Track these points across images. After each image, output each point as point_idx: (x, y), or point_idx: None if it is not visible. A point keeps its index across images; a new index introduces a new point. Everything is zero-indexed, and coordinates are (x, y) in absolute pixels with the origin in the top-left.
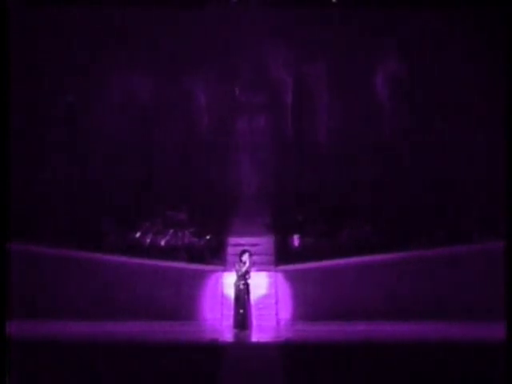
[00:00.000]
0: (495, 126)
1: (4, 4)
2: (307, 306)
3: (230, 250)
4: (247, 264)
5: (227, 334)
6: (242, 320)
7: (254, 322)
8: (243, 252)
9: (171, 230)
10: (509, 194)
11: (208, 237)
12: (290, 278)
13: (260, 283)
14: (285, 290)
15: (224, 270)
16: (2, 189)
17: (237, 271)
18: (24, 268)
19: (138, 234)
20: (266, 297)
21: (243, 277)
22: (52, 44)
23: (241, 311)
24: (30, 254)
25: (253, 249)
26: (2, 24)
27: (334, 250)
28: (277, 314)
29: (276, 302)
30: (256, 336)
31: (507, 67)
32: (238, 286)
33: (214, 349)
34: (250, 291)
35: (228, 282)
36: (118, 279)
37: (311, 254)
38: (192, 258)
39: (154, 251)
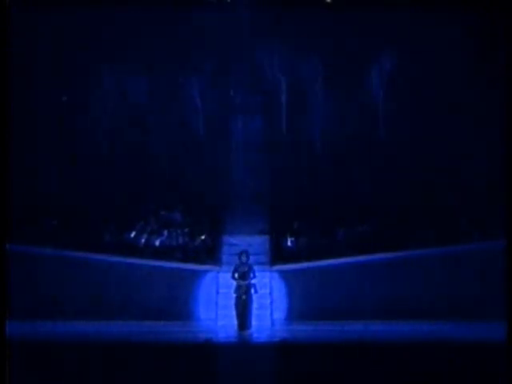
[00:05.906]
0: (495, 126)
1: (4, 4)
2: (302, 306)
3: (225, 249)
4: (248, 264)
5: (222, 334)
6: (243, 320)
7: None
8: (242, 252)
9: (166, 230)
10: (509, 193)
11: (203, 237)
12: (285, 277)
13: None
14: (280, 290)
15: (219, 270)
16: (2, 189)
17: (237, 272)
18: (21, 268)
19: (132, 234)
20: (260, 297)
21: (244, 277)
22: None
23: (242, 312)
24: (26, 255)
25: (248, 249)
26: (2, 24)
27: (329, 250)
28: (272, 314)
29: (271, 302)
30: (251, 336)
31: (507, 67)
32: (240, 286)
33: (209, 349)
34: (251, 291)
35: (223, 282)
36: (113, 279)
37: (307, 254)
38: (187, 258)
39: (149, 251)
